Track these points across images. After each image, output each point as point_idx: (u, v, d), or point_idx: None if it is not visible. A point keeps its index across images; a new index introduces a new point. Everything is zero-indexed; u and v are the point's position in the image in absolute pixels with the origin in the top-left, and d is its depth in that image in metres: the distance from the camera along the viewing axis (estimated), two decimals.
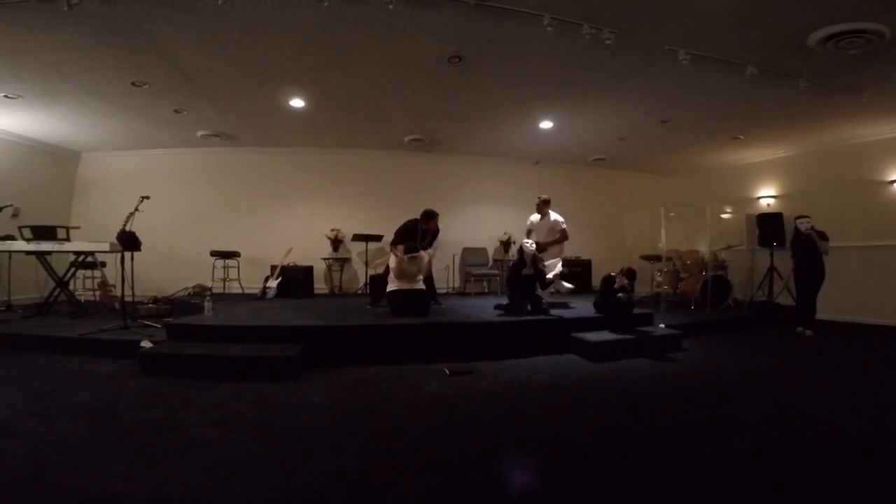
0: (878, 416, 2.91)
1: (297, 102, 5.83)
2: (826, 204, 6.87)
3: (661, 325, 5.25)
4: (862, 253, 6.62)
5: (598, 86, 5.20)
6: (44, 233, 5.48)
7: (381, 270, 6.41)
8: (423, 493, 1.98)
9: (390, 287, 5.03)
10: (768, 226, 7.15)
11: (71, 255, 5.82)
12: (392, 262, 5.08)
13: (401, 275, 4.99)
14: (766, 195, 8.11)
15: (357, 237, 7.83)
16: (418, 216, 5.77)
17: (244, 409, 2.94)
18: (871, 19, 3.54)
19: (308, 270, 7.50)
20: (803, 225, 5.51)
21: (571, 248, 8.81)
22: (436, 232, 5.86)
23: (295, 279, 7.21)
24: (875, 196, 6.57)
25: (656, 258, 7.62)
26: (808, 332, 5.53)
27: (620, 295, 5.00)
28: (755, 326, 6.25)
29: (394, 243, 5.41)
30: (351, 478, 2.08)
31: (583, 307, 5.64)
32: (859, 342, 5.41)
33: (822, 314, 5.69)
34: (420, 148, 8.07)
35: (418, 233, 5.61)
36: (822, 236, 5.47)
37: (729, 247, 7.41)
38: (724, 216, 8.31)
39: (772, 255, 7.08)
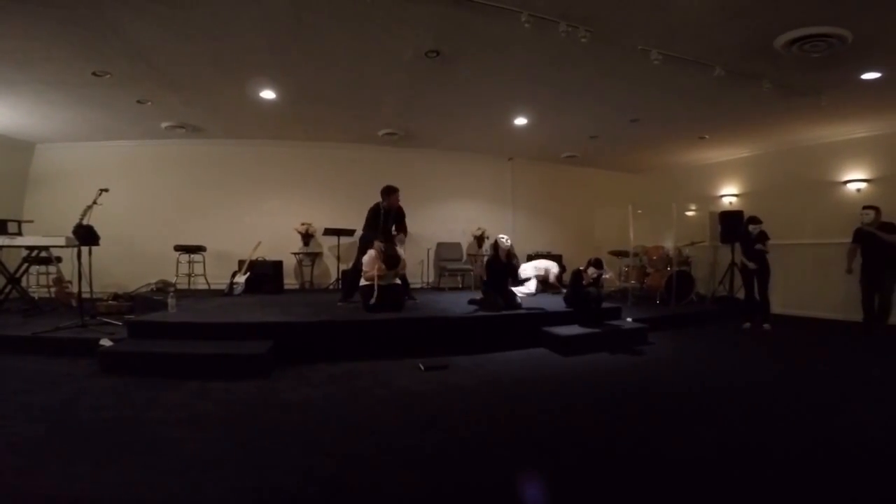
0: (834, 406, 3.09)
1: (268, 94, 5.67)
2: (783, 203, 7.21)
3: (629, 319, 5.40)
4: (813, 250, 6.96)
5: (573, 84, 5.27)
6: None
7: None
8: (396, 490, 1.99)
9: (364, 282, 4.97)
10: (730, 223, 7.41)
11: (23, 249, 5.54)
12: (366, 259, 4.97)
13: (382, 270, 4.89)
14: (729, 193, 8.43)
15: (328, 231, 7.72)
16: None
17: (212, 408, 2.87)
18: (835, 24, 3.70)
19: (278, 265, 7.33)
20: (756, 229, 5.84)
21: (541, 243, 9.02)
22: (400, 210, 5.54)
23: (264, 274, 7.03)
24: (828, 196, 6.91)
25: (624, 254, 7.82)
26: (767, 326, 5.81)
27: (590, 290, 5.11)
28: (717, 320, 6.49)
29: (364, 238, 5.29)
30: (323, 476, 2.06)
31: (553, 302, 5.74)
32: (811, 335, 5.69)
33: (774, 308, 5.96)
34: (394, 142, 8.00)
35: (381, 214, 5.35)
36: (891, 229, 5.19)
37: (693, 243, 7.67)
38: (689, 213, 8.59)
39: (732, 251, 7.35)
